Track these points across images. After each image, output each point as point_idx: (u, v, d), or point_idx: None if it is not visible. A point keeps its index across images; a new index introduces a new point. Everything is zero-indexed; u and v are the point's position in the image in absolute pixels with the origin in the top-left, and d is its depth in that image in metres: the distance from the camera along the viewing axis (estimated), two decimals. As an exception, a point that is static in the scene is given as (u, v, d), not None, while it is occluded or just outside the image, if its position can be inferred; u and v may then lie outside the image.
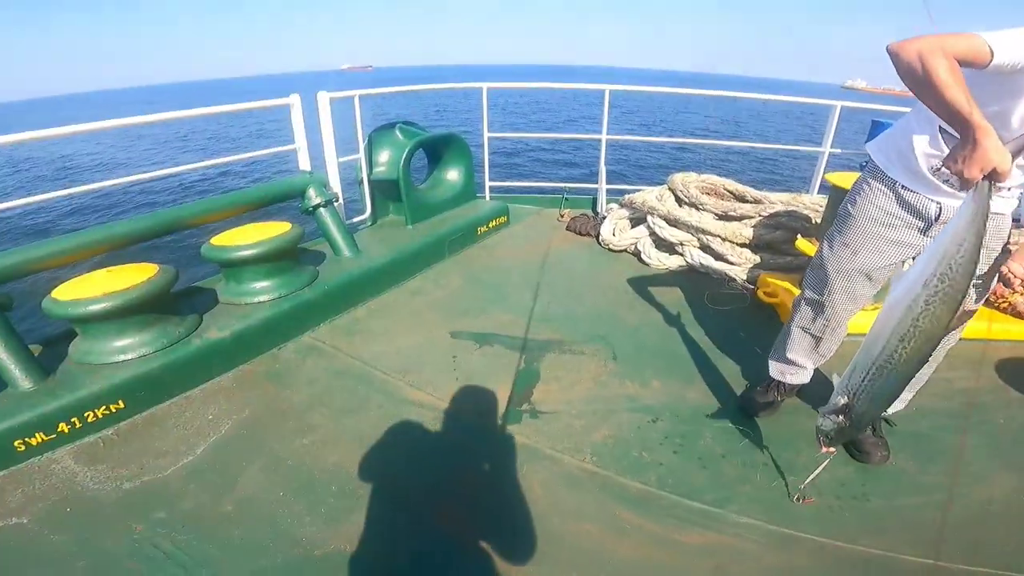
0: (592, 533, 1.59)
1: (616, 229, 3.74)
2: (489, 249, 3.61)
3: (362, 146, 3.28)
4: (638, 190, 3.83)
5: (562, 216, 4.14)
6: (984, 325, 2.63)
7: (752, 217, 3.34)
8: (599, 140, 4.16)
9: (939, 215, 1.53)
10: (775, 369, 2.07)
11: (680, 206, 3.54)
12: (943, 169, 1.20)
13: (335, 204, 3.01)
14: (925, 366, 1.63)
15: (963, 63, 1.17)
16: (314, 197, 2.89)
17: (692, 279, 3.23)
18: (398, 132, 3.42)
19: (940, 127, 1.28)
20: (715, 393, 2.22)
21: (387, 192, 3.47)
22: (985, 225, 1.20)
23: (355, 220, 3.43)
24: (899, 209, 1.61)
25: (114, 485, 1.74)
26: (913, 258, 1.66)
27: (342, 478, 1.77)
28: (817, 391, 2.11)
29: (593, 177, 4.34)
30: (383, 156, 3.35)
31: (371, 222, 3.51)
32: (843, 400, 1.43)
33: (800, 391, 2.12)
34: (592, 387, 2.25)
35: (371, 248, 3.11)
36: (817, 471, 1.63)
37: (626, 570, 1.49)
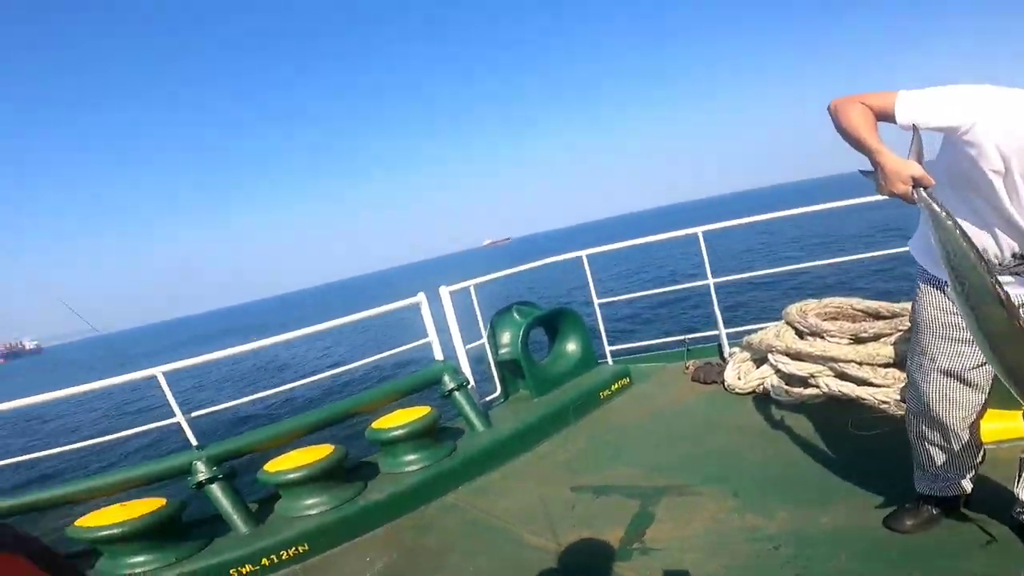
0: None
1: (740, 372, 3.70)
2: (612, 411, 3.78)
3: (484, 331, 3.88)
4: (763, 327, 3.78)
5: (688, 368, 4.20)
6: None
7: (890, 333, 3.14)
8: (707, 285, 4.24)
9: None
10: (921, 484, 1.90)
11: (802, 338, 3.42)
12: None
13: (468, 387, 3.56)
14: None
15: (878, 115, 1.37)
16: (448, 383, 3.49)
17: (832, 407, 3.02)
18: (515, 313, 3.98)
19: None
20: (856, 515, 2.04)
21: (513, 370, 3.95)
22: (952, 223, 1.20)
23: (488, 399, 3.90)
24: (954, 309, 1.49)
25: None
26: None
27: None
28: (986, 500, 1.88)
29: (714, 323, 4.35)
30: (504, 337, 3.91)
31: (503, 399, 3.97)
32: None
33: (968, 502, 1.87)
34: (709, 523, 2.23)
35: (502, 422, 3.56)
36: None
37: None
